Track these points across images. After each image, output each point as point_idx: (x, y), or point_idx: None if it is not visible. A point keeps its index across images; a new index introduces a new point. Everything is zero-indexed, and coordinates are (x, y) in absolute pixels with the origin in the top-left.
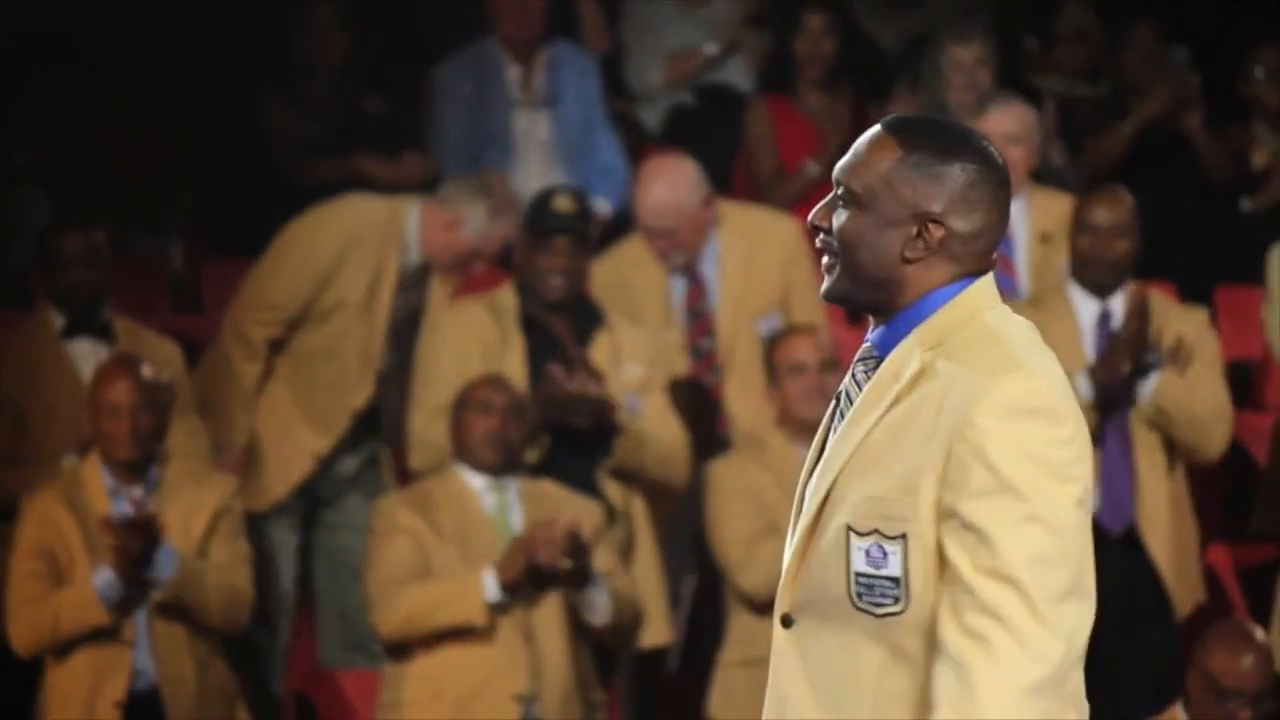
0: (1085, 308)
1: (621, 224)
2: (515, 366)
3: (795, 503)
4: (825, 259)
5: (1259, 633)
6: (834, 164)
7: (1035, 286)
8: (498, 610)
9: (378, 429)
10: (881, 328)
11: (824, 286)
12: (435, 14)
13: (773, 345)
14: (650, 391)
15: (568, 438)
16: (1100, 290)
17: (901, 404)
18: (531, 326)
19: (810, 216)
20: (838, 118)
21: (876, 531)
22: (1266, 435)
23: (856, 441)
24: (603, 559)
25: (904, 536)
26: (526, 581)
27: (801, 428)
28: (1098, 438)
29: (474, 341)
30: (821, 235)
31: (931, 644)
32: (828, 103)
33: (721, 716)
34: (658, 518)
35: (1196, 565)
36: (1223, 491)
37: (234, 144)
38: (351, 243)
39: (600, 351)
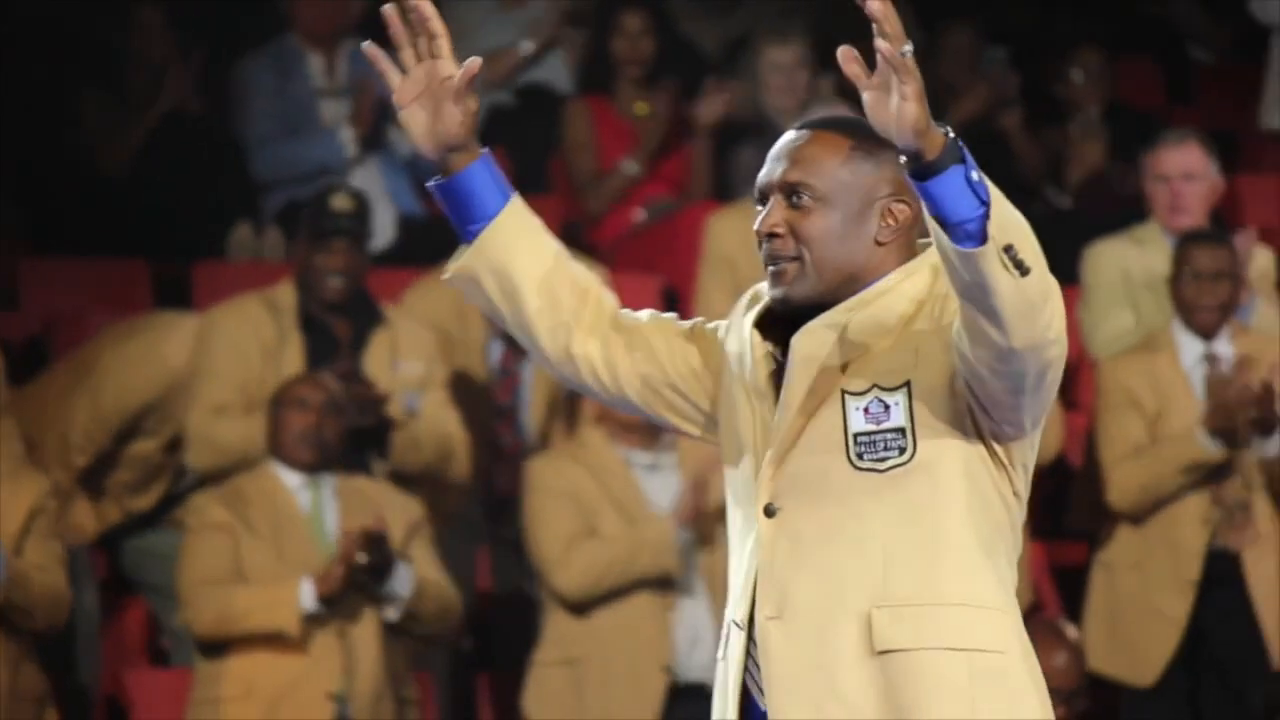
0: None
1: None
2: (294, 365)
3: (751, 433)
4: (778, 265)
5: (1071, 631)
6: (649, 163)
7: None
8: (312, 621)
9: None
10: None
11: (782, 291)
12: (245, 8)
13: None
14: (430, 389)
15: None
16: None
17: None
18: (310, 325)
19: (764, 225)
20: (657, 119)
21: (875, 387)
22: (1081, 434)
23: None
24: (420, 555)
25: (907, 384)
26: (345, 590)
27: (621, 427)
28: None
29: (253, 339)
30: (776, 241)
31: (939, 483)
32: (649, 104)
33: (536, 715)
34: (443, 513)
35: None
36: (1036, 490)
37: (51, 140)
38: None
39: (379, 349)
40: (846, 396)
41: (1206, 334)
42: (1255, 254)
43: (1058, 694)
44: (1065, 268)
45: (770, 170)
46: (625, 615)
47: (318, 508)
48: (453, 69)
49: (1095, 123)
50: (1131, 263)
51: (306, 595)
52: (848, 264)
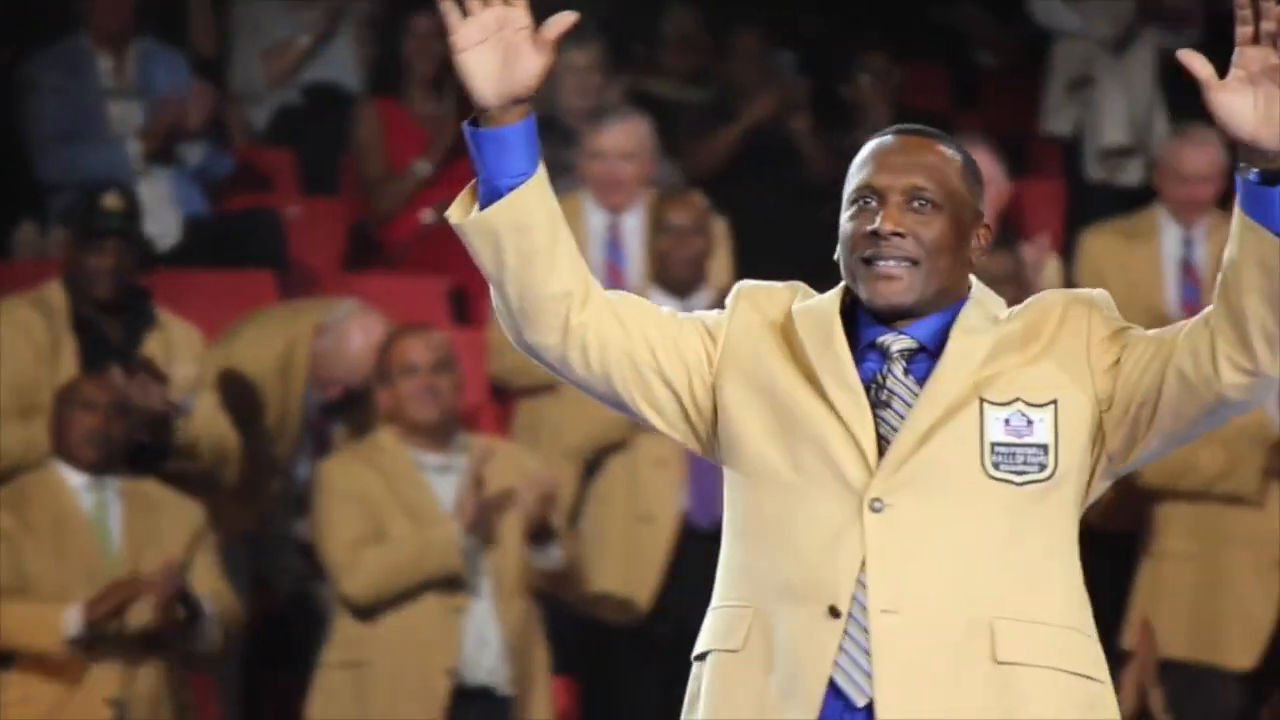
0: None
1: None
2: (68, 367)
3: (826, 425)
4: (891, 265)
5: None
6: (442, 165)
7: None
8: (78, 646)
9: None
10: (922, 321)
11: (894, 292)
12: (37, 5)
13: (386, 346)
14: (202, 390)
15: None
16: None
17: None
18: (83, 326)
19: (888, 224)
20: (447, 120)
21: (1018, 400)
22: None
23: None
24: (201, 563)
25: (1054, 402)
26: (116, 617)
27: (414, 429)
28: None
29: (25, 342)
30: (898, 241)
31: (1065, 505)
32: (436, 105)
33: (321, 717)
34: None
35: None
36: None
37: None
38: None
39: (152, 351)
40: (986, 405)
41: None
42: (1047, 263)
43: None
44: None
45: (891, 170)
46: (411, 618)
47: (101, 508)
48: (526, 17)
49: (882, 127)
50: None
51: (72, 621)
52: (949, 276)
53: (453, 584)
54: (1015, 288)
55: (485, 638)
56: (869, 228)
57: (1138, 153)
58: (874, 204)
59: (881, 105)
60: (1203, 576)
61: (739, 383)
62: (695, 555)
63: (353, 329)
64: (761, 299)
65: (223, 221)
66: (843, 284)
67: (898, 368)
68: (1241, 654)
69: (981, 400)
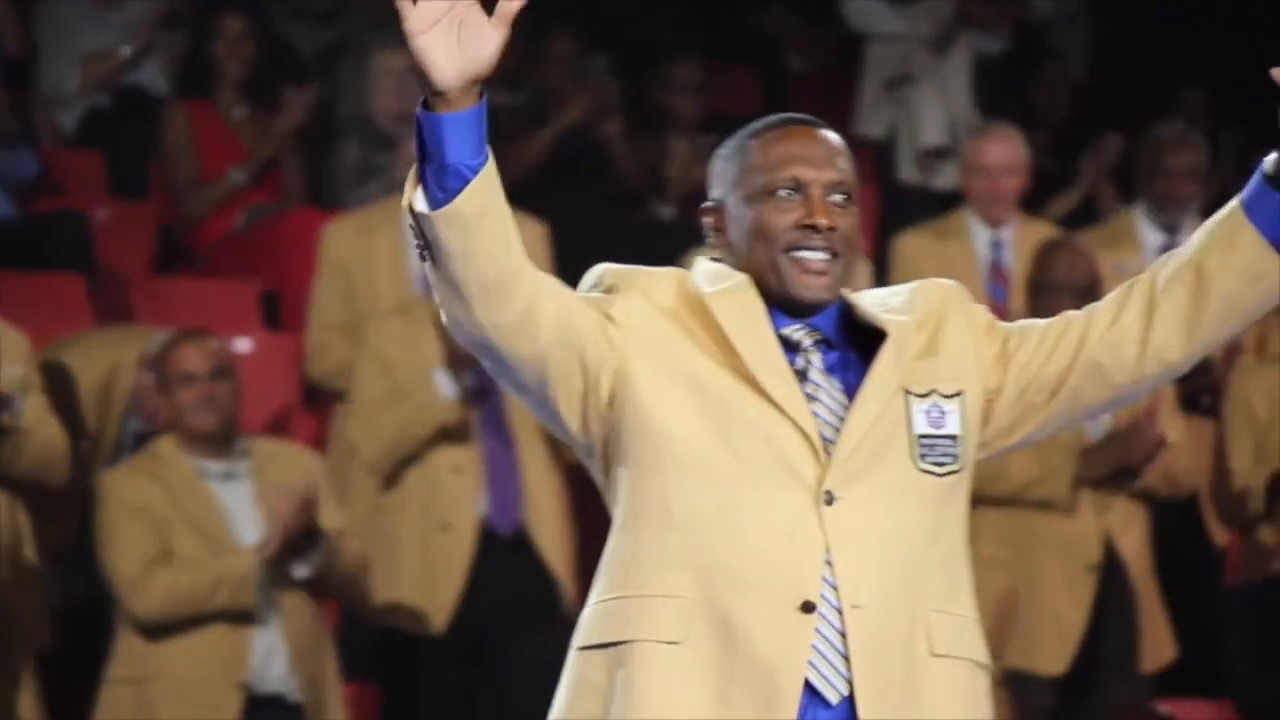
0: None
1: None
2: None
3: (763, 415)
4: (820, 259)
5: None
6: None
7: None
8: None
9: None
10: (824, 314)
11: (825, 287)
12: None
13: (162, 355)
14: (30, 392)
15: None
16: None
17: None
18: None
19: (824, 218)
20: (261, 124)
21: (934, 391)
22: None
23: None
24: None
25: (961, 394)
26: None
27: (193, 437)
28: (474, 436)
29: None
30: (830, 235)
31: (964, 496)
32: (249, 109)
33: None
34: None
35: (573, 565)
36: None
37: None
38: None
39: None
40: (909, 397)
41: None
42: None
43: None
44: None
45: (812, 164)
46: (199, 632)
47: None
48: None
49: (692, 130)
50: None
51: None
52: (851, 269)
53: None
54: None
55: (273, 647)
56: (803, 220)
57: (953, 155)
58: (796, 196)
59: (693, 110)
60: (1014, 582)
61: (652, 370)
62: (494, 562)
63: None
64: (649, 284)
65: (29, 225)
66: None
67: (816, 359)
68: (1052, 660)
69: (905, 392)
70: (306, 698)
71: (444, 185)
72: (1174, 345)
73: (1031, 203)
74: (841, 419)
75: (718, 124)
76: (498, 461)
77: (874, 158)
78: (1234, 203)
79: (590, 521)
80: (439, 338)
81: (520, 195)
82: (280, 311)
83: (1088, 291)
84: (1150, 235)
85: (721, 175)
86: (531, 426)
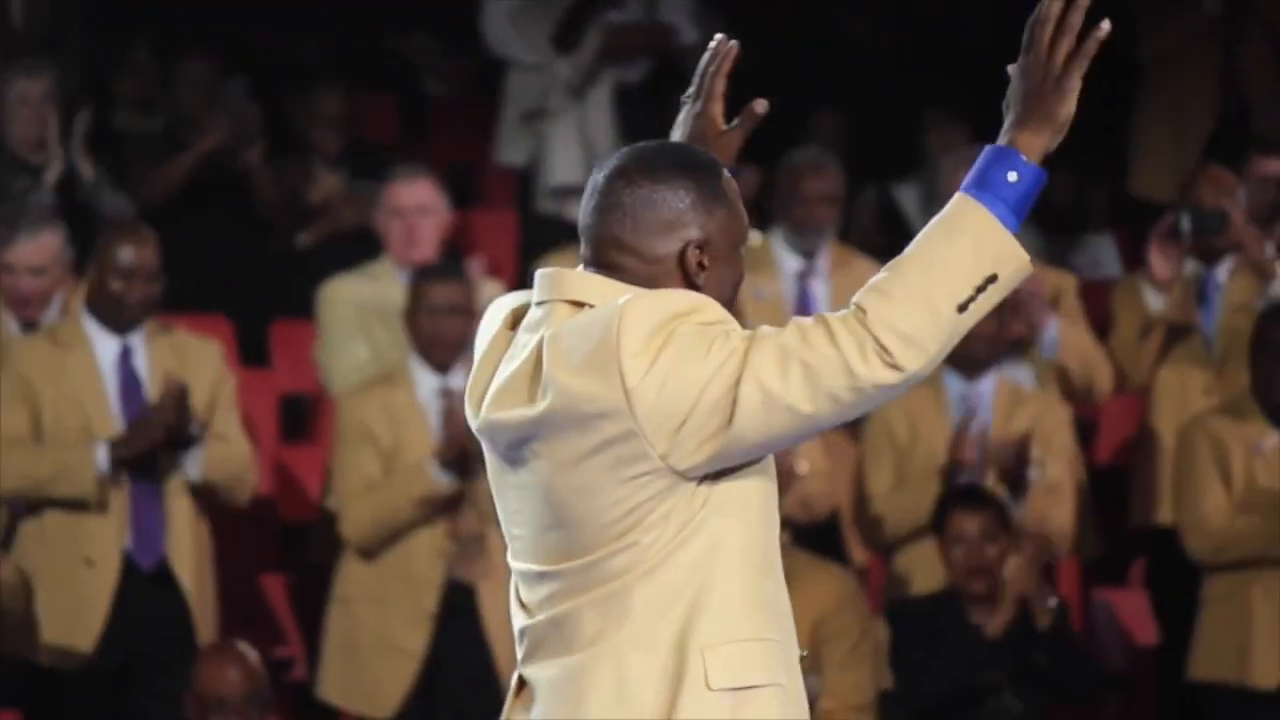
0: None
1: None
2: None
3: None
4: None
5: (248, 649)
6: None
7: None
8: None
9: None
10: None
11: None
12: None
13: None
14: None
15: None
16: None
17: None
18: None
19: None
20: None
21: None
22: (319, 467)
23: None
24: None
25: None
26: None
27: None
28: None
29: None
30: None
31: None
32: None
33: None
34: None
35: (215, 598)
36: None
37: None
38: None
39: None
40: None
41: (443, 368)
42: (485, 286)
43: (228, 703)
44: (303, 304)
45: None
46: None
47: None
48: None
49: (333, 158)
50: (366, 298)
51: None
52: None
53: None
54: (465, 318)
55: None
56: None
57: None
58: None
59: (333, 136)
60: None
61: None
62: (136, 596)
63: None
64: None
65: None
66: None
67: None
68: None
69: None
70: None
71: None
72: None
73: None
74: None
75: (359, 152)
76: (147, 501)
77: (515, 185)
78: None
79: (226, 561)
80: None
81: (157, 221)
82: None
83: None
84: (788, 260)
85: (705, 212)
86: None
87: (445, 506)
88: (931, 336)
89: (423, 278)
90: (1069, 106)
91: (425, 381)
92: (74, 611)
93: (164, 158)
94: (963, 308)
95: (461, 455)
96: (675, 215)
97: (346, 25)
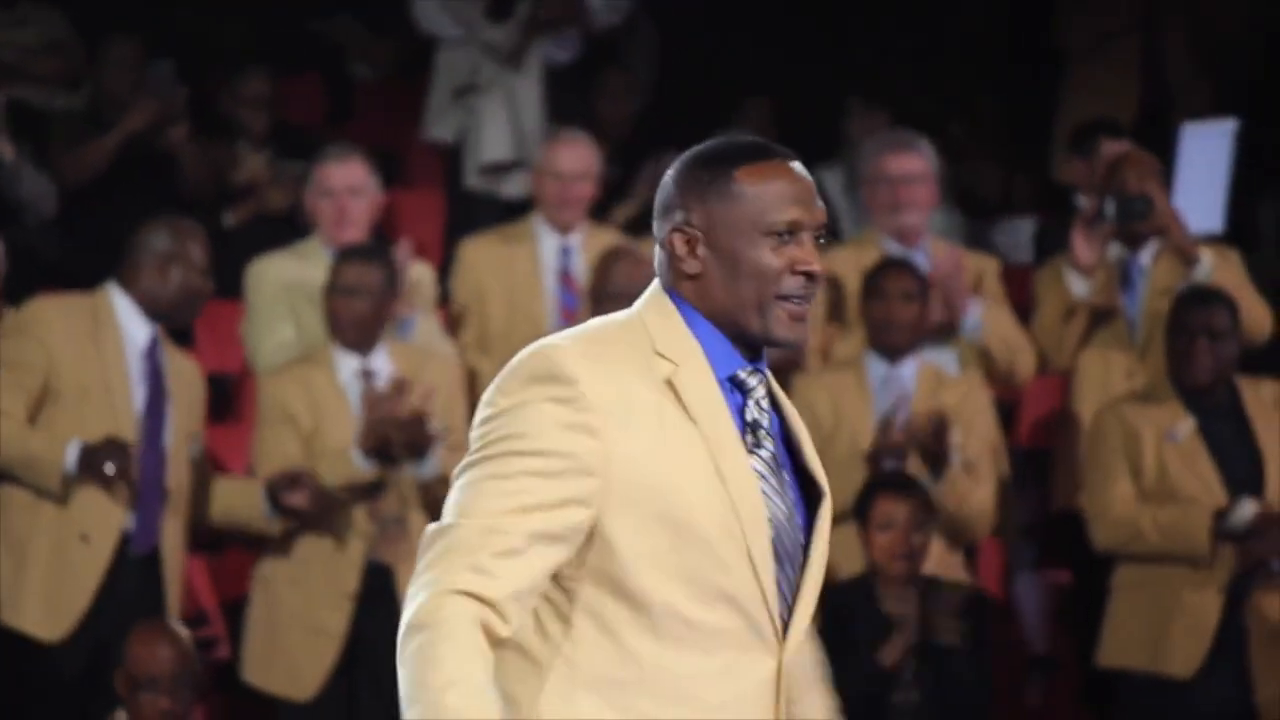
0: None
1: None
2: None
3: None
4: (803, 306)
5: (179, 628)
6: None
7: None
8: None
9: None
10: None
11: (805, 331)
12: None
13: None
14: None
15: None
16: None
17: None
18: None
19: (818, 266)
20: None
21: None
22: (244, 447)
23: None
24: None
25: None
26: None
27: None
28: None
29: None
30: (815, 281)
31: None
32: None
33: None
34: None
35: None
36: None
37: None
38: None
39: None
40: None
41: (361, 349)
42: (413, 268)
43: (158, 681)
44: (231, 284)
45: (809, 206)
46: None
47: None
48: None
49: (259, 139)
50: (294, 277)
51: None
52: None
53: None
54: (376, 299)
55: None
56: (801, 267)
57: (520, 167)
58: (789, 239)
59: (258, 117)
60: None
61: (628, 515)
62: (123, 578)
63: None
64: (621, 384)
65: None
66: (630, 320)
67: (766, 420)
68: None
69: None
70: None
71: None
72: None
73: (596, 211)
74: (795, 561)
75: (285, 134)
76: (149, 482)
77: (442, 163)
78: None
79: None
80: None
81: (80, 201)
82: None
83: None
84: None
85: (698, 200)
86: (183, 453)
87: (367, 490)
88: None
89: (340, 258)
90: None
91: (346, 363)
92: (61, 586)
93: (87, 137)
94: None
95: (381, 441)
96: (669, 200)
97: (271, 7)
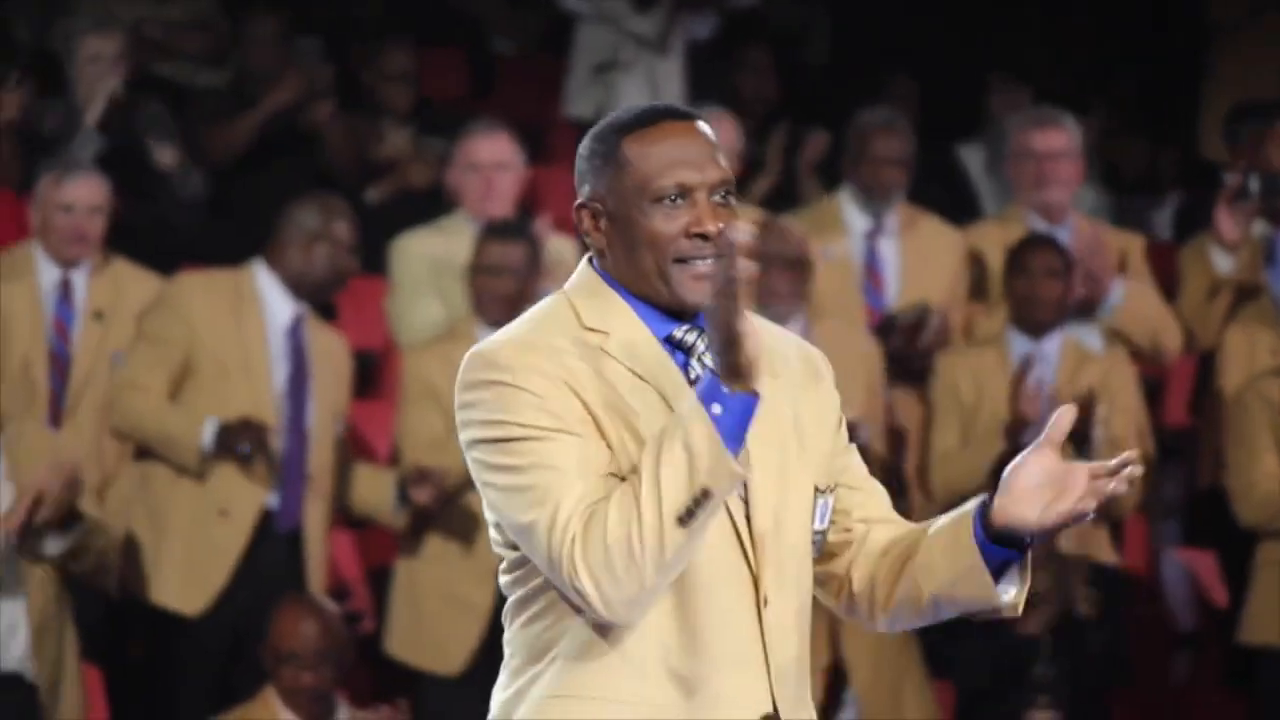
0: None
1: None
2: None
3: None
4: (709, 264)
5: (326, 602)
6: None
7: None
8: None
9: None
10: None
11: (709, 291)
12: None
13: None
14: None
15: None
16: None
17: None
18: None
19: (712, 225)
20: None
21: (828, 489)
22: (387, 423)
23: (788, 415)
24: None
25: (832, 489)
26: None
27: None
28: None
29: None
30: (713, 241)
31: None
32: None
33: None
34: None
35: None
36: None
37: None
38: None
39: None
40: (817, 494)
41: (501, 325)
42: (552, 243)
43: (300, 656)
44: (373, 261)
45: (700, 166)
46: None
47: None
48: None
49: (402, 115)
50: (439, 253)
51: None
52: None
53: None
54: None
55: (14, 625)
56: (694, 229)
57: None
58: (681, 202)
59: (402, 93)
60: None
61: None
62: (265, 554)
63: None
64: (558, 368)
65: None
66: (555, 301)
67: (709, 358)
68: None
69: (816, 490)
70: (43, 679)
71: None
72: (882, 621)
73: (738, 186)
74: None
75: (428, 110)
76: (292, 461)
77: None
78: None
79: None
80: None
81: (225, 178)
82: None
83: (798, 264)
84: (857, 220)
85: (595, 174)
86: (329, 432)
87: None
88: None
89: (483, 237)
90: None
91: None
92: (199, 561)
93: (231, 114)
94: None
95: None
96: (576, 176)
97: None
